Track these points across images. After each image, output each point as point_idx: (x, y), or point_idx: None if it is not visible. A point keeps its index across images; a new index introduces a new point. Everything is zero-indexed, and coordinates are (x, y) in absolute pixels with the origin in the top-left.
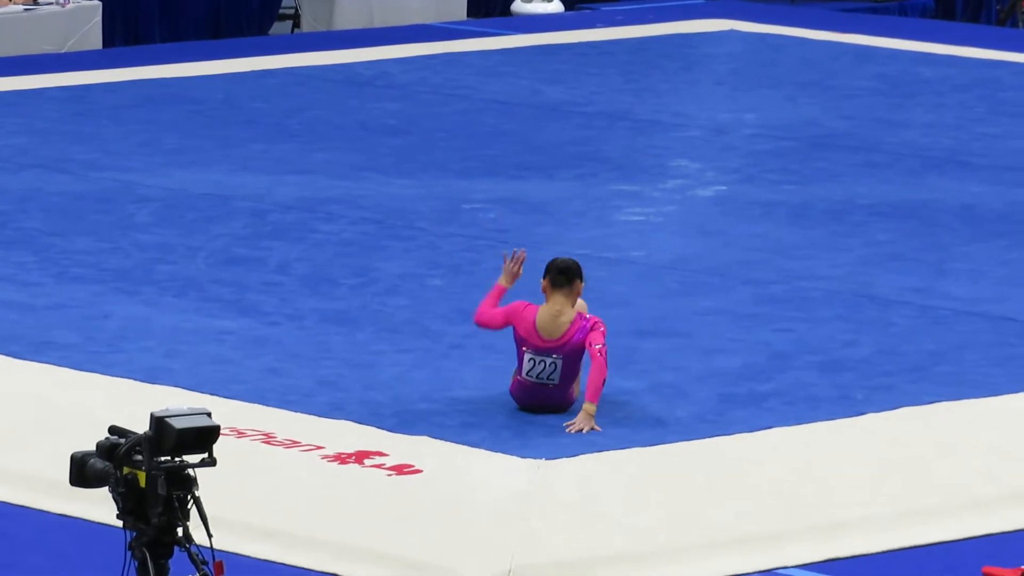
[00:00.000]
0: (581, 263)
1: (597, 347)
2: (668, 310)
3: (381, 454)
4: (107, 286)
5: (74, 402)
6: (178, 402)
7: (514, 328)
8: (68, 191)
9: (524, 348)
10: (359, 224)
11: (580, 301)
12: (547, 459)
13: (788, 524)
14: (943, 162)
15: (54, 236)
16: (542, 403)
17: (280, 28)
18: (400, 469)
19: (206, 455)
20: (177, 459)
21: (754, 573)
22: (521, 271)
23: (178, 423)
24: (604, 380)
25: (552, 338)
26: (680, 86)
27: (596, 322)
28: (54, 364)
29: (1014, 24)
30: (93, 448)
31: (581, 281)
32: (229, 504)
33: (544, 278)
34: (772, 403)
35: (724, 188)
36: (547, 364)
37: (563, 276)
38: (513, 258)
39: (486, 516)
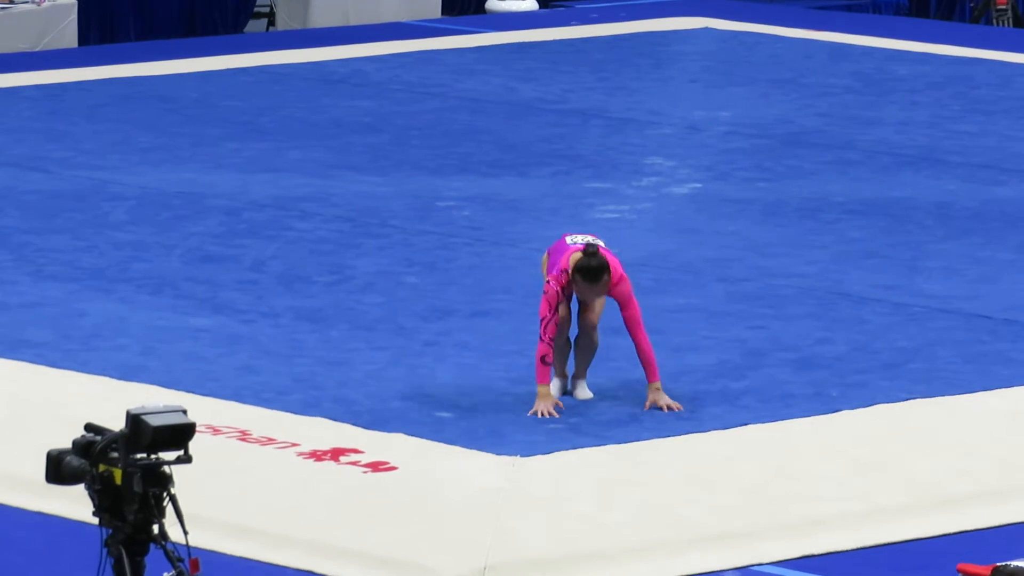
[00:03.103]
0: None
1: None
2: (642, 307)
3: (356, 451)
4: (82, 284)
5: (49, 400)
6: (154, 400)
7: None
8: (43, 189)
9: None
10: (333, 222)
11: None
12: (522, 456)
13: (762, 521)
14: (917, 160)
15: (29, 234)
16: None
17: (255, 26)
18: (375, 466)
19: (182, 452)
20: (153, 456)
21: (729, 570)
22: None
23: (154, 420)
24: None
25: None
26: (654, 84)
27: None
28: (29, 362)
29: (988, 21)
30: (69, 446)
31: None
32: (205, 501)
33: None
34: (746, 400)
35: (698, 186)
36: None
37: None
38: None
39: (461, 513)
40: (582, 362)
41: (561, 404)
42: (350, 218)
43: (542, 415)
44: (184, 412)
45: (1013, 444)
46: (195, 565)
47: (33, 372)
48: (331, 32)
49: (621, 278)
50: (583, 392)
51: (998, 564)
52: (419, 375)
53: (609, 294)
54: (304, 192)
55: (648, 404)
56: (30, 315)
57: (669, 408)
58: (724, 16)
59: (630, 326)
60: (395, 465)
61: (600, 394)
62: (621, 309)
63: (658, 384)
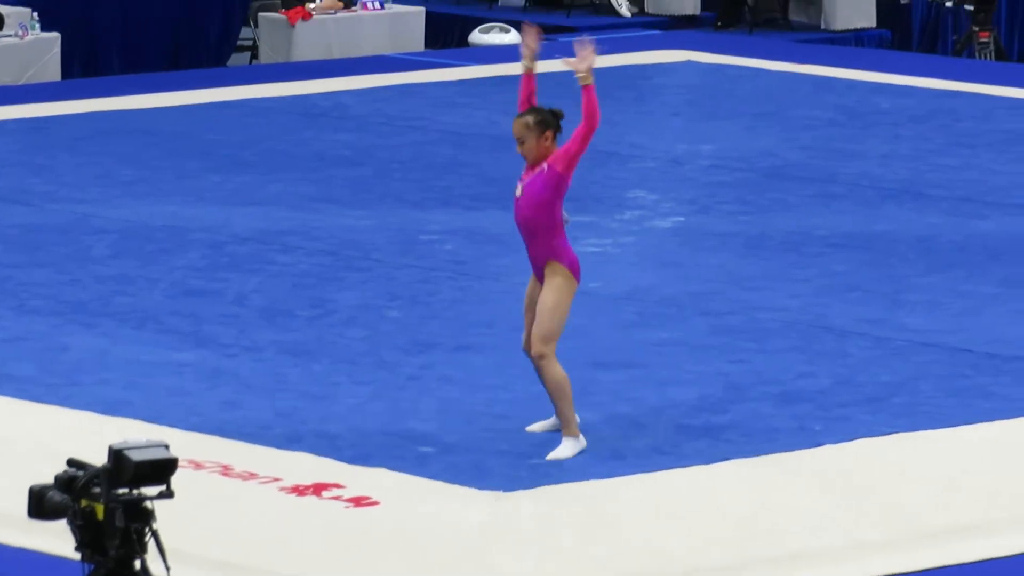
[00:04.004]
0: None
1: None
2: (624, 341)
3: (338, 486)
4: (65, 318)
5: (32, 435)
6: (136, 434)
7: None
8: (26, 223)
9: None
10: (315, 256)
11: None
12: (505, 491)
13: (745, 555)
14: (900, 193)
15: (11, 268)
16: None
17: (238, 59)
18: (358, 501)
19: (164, 487)
20: (135, 491)
21: None
22: (537, 45)
23: (136, 455)
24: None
25: None
26: (636, 117)
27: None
28: (11, 396)
29: (970, 54)
30: (51, 481)
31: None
32: (187, 536)
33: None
34: (729, 434)
35: (681, 219)
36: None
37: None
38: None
39: (443, 548)
40: (557, 412)
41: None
42: (332, 251)
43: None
44: (166, 447)
45: (996, 478)
46: None
47: (15, 407)
48: (314, 65)
49: (557, 152)
50: (562, 452)
51: None
52: (402, 409)
53: (553, 162)
54: (286, 225)
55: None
56: (12, 349)
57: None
58: (707, 49)
59: (578, 132)
60: (377, 500)
61: (583, 428)
62: (571, 142)
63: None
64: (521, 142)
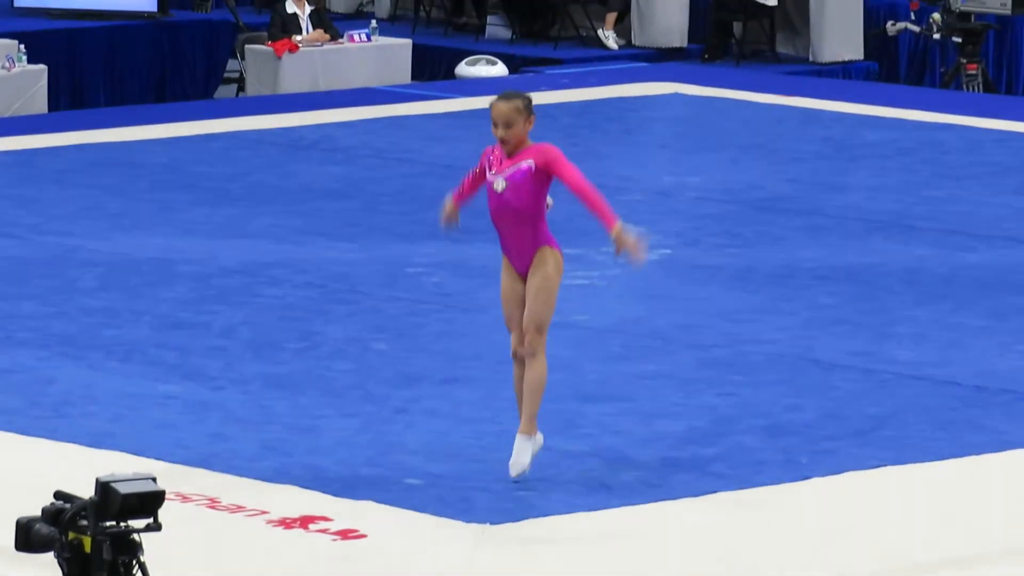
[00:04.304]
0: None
1: None
2: (611, 374)
3: (326, 519)
4: (52, 351)
5: (18, 467)
6: (123, 467)
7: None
8: (12, 255)
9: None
10: (302, 288)
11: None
12: (492, 524)
13: None
14: (887, 225)
15: None
16: None
17: (225, 92)
18: (345, 534)
19: (151, 520)
20: (122, 524)
21: None
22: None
23: (123, 488)
24: None
25: None
26: (624, 149)
27: None
28: None
29: (958, 86)
30: (38, 513)
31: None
32: (174, 569)
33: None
34: (716, 467)
35: (668, 252)
36: None
37: None
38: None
39: None
40: (524, 408)
41: (456, 222)
42: (320, 284)
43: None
44: (154, 479)
45: (984, 512)
46: None
47: (1, 439)
48: (301, 98)
49: (550, 148)
50: (519, 452)
51: None
52: (389, 442)
53: (542, 164)
54: (273, 258)
55: (618, 251)
56: None
57: (638, 246)
58: (694, 81)
59: (574, 186)
60: (365, 533)
61: (570, 461)
62: (561, 176)
63: (618, 227)
64: (508, 126)
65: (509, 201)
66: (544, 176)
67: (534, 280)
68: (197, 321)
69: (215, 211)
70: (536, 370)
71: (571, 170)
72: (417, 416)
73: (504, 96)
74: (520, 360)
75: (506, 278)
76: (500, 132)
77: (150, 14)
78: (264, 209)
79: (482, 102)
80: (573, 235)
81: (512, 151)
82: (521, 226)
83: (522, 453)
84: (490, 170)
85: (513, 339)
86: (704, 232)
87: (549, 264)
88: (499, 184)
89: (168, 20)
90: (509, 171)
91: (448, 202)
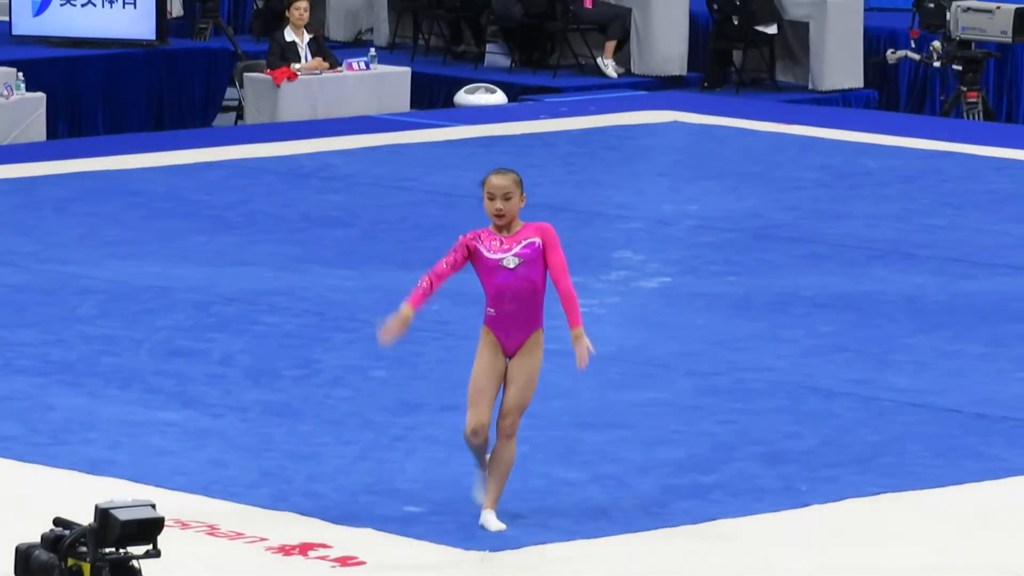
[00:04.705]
0: None
1: None
2: (611, 401)
3: (325, 546)
4: (51, 378)
5: (18, 494)
6: (122, 494)
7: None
8: (11, 283)
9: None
10: (302, 316)
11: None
12: (491, 551)
13: None
14: (887, 253)
15: None
16: None
17: (223, 120)
18: (344, 561)
19: (150, 547)
20: (122, 551)
21: None
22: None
23: (122, 515)
24: None
25: None
26: (623, 177)
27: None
28: None
29: (958, 114)
30: (38, 540)
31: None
32: None
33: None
34: (716, 494)
35: (667, 280)
36: None
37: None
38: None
39: None
40: (494, 486)
41: (403, 333)
42: (319, 312)
43: (381, 334)
44: (153, 506)
45: (983, 539)
46: None
47: (1, 466)
48: (299, 126)
49: (550, 228)
50: (493, 523)
51: None
52: (388, 469)
53: (545, 243)
54: (273, 286)
55: (574, 346)
56: None
57: (588, 351)
58: (693, 110)
59: (556, 273)
60: (364, 560)
61: (569, 489)
62: (551, 258)
63: (580, 330)
64: (507, 198)
65: (524, 277)
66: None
67: (526, 363)
68: (196, 348)
69: (214, 239)
70: (512, 450)
71: (562, 258)
72: (416, 443)
73: (498, 171)
74: (482, 438)
75: (489, 353)
76: (498, 204)
77: (149, 42)
78: (263, 237)
79: (482, 130)
80: (573, 262)
81: (507, 227)
82: (529, 303)
83: (495, 522)
84: (489, 252)
85: (475, 416)
86: (703, 260)
87: (540, 348)
88: (510, 262)
89: (167, 48)
90: (518, 248)
91: (404, 310)
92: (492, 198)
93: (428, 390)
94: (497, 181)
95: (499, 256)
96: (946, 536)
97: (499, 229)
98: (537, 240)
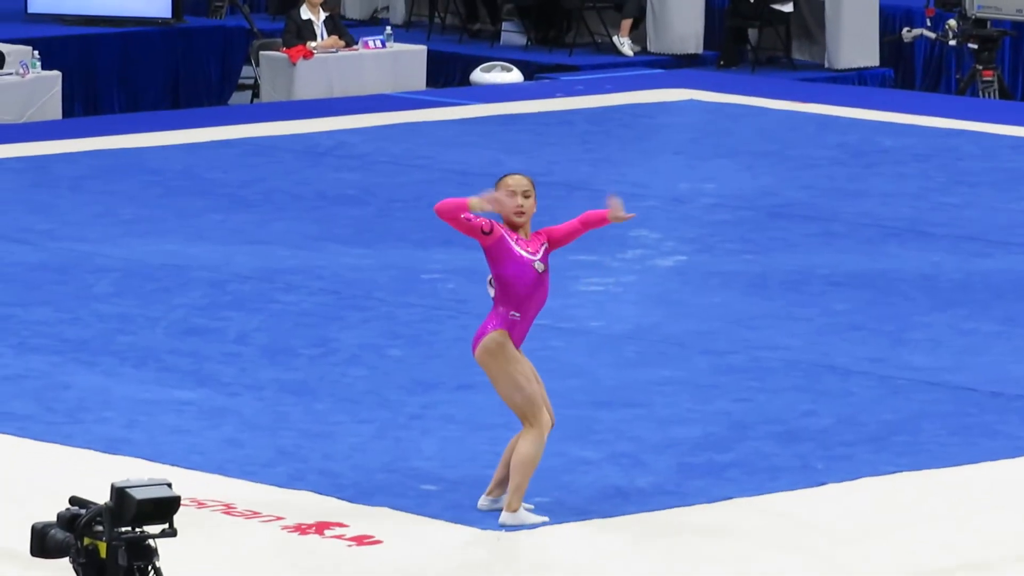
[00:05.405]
0: (539, 333)
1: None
2: (626, 380)
3: (341, 525)
4: (66, 356)
5: (33, 473)
6: (138, 473)
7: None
8: (26, 261)
9: None
10: (317, 294)
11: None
12: (507, 530)
13: None
14: (902, 231)
15: (13, 307)
16: None
17: (239, 98)
18: (360, 540)
19: (167, 526)
20: (138, 530)
21: None
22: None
23: (138, 494)
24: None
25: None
26: (639, 156)
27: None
28: (13, 435)
29: (974, 93)
30: (54, 519)
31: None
32: (189, 575)
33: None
34: (732, 473)
35: (683, 258)
36: None
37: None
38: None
39: None
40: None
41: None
42: (335, 290)
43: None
44: (169, 485)
45: (998, 518)
46: None
47: (16, 445)
48: (315, 104)
49: (543, 228)
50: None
51: None
52: (404, 448)
53: (548, 238)
54: (289, 264)
55: (612, 206)
56: (13, 388)
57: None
58: (709, 88)
59: (567, 230)
60: (380, 539)
61: (585, 467)
62: (555, 234)
63: (610, 213)
64: (527, 195)
65: (545, 282)
66: None
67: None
68: (212, 327)
69: (229, 217)
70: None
71: (559, 226)
72: (432, 422)
73: (513, 173)
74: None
75: (522, 356)
76: (520, 200)
77: (164, 20)
78: (279, 215)
79: (498, 109)
80: (589, 241)
81: (524, 228)
82: (539, 309)
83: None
84: (518, 247)
85: (549, 410)
86: (719, 238)
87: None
88: (539, 266)
89: (182, 26)
90: (540, 253)
91: (474, 202)
92: (514, 193)
93: (444, 369)
94: (517, 179)
95: (531, 257)
96: (961, 514)
97: (515, 228)
98: (543, 242)
